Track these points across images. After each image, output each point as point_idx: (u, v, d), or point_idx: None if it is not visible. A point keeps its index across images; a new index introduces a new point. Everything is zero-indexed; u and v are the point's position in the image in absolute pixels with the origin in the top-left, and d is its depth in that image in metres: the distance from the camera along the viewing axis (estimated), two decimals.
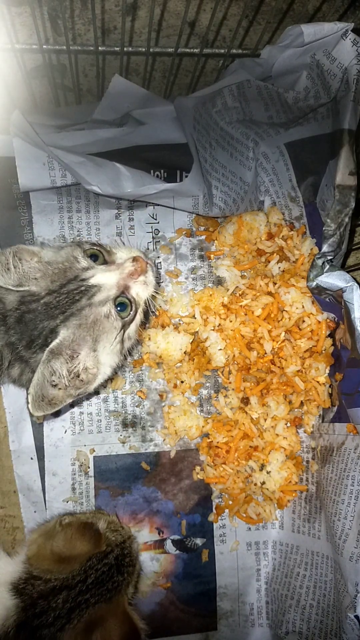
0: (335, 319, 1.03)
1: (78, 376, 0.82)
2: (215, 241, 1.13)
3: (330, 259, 0.98)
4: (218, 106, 1.02)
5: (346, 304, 0.93)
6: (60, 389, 0.80)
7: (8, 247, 0.82)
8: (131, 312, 0.87)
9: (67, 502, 1.05)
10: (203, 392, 1.11)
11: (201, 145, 1.06)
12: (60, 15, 1.17)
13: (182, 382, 1.08)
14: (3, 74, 1.07)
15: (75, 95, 1.12)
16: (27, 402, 0.77)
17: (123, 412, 1.09)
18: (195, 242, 1.14)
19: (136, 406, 1.09)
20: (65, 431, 1.07)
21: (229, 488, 1.05)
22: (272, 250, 1.09)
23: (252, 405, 1.05)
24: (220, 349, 1.06)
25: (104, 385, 0.97)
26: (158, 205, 1.11)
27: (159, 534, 1.07)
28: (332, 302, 1.00)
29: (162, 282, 1.12)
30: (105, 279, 0.84)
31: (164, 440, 1.09)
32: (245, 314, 1.06)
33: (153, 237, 1.13)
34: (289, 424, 1.06)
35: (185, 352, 1.06)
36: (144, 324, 0.98)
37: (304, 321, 1.05)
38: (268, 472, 1.05)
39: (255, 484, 1.05)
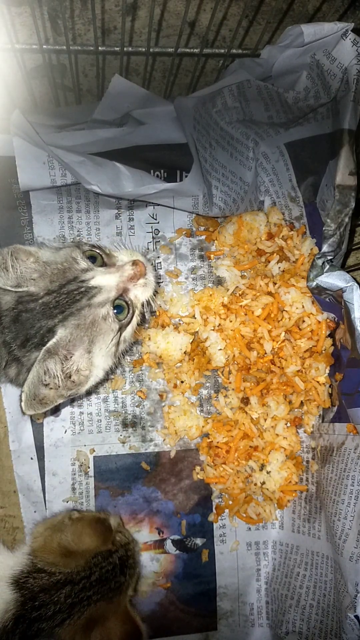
0: (335, 319, 1.03)
1: (70, 377, 0.82)
2: (215, 241, 1.13)
3: (330, 259, 0.98)
4: (218, 106, 1.02)
5: (346, 304, 0.93)
6: (52, 388, 0.80)
7: (7, 247, 0.82)
8: (128, 315, 0.88)
9: (67, 502, 1.05)
10: (203, 392, 1.11)
11: (201, 145, 1.06)
12: (60, 15, 1.17)
13: (182, 382, 1.08)
14: (3, 74, 1.07)
15: (75, 95, 1.12)
16: (20, 401, 0.77)
17: (123, 412, 1.09)
18: (195, 242, 1.14)
19: (136, 406, 1.09)
20: (65, 431, 1.07)
21: (229, 488, 1.05)
22: (272, 250, 1.09)
23: (252, 405, 1.05)
24: (220, 349, 1.06)
25: (96, 387, 0.98)
26: (158, 205, 1.11)
27: (159, 534, 1.07)
28: (332, 302, 1.00)
29: (162, 282, 1.12)
30: (105, 280, 0.84)
31: (164, 440, 1.09)
32: (245, 314, 1.06)
33: (153, 237, 1.13)
34: (289, 424, 1.06)
35: (185, 352, 1.06)
36: (141, 326, 0.98)
37: (304, 321, 1.05)
38: (268, 472, 1.05)
39: (255, 484, 1.05)
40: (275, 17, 1.22)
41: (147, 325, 1.08)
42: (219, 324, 1.07)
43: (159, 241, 1.13)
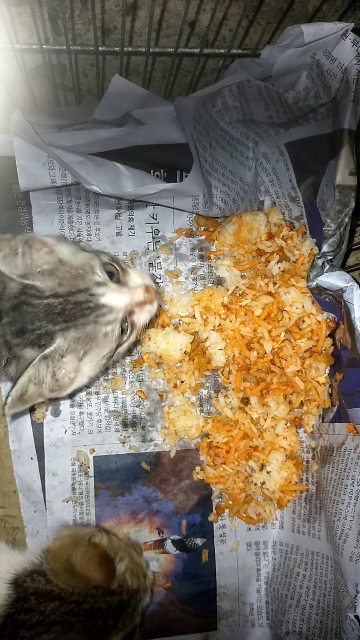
0: (335, 319, 1.03)
1: (54, 375, 0.81)
2: (215, 241, 1.13)
3: (330, 259, 0.98)
4: (218, 106, 1.02)
5: (346, 304, 0.93)
6: (35, 384, 0.79)
7: (22, 235, 0.80)
8: (127, 334, 0.87)
9: (67, 502, 1.05)
10: (203, 392, 1.11)
11: (201, 145, 1.06)
12: (60, 15, 1.17)
13: (182, 382, 1.08)
14: (3, 74, 1.07)
15: (75, 95, 1.12)
16: (5, 403, 0.76)
17: (123, 412, 1.09)
18: (195, 242, 1.14)
19: (136, 406, 1.09)
20: (65, 431, 1.07)
21: (229, 488, 1.05)
22: (272, 250, 1.09)
23: (252, 405, 1.05)
24: (220, 349, 1.06)
25: (79, 390, 0.98)
26: (158, 205, 1.11)
27: (159, 534, 1.07)
28: (332, 302, 1.00)
29: (162, 282, 1.12)
30: (116, 301, 0.83)
31: (164, 440, 1.09)
32: (245, 314, 1.06)
33: (153, 237, 1.13)
34: (289, 424, 1.06)
35: (185, 352, 1.06)
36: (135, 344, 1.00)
37: (304, 321, 1.05)
38: (268, 472, 1.05)
39: (255, 484, 1.05)
40: (275, 17, 1.22)
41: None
42: (219, 324, 1.07)
43: (159, 241, 1.13)
